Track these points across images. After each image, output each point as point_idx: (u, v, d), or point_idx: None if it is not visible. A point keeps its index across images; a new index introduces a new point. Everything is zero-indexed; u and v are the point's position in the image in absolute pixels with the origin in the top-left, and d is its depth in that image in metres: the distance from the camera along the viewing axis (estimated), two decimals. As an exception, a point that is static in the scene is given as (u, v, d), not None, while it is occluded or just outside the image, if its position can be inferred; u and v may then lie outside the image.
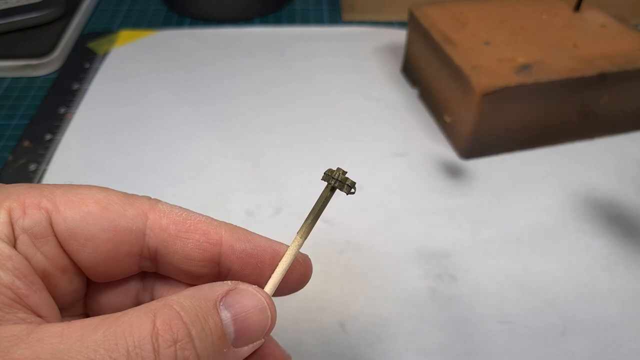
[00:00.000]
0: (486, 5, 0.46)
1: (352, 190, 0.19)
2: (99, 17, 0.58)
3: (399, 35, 0.53)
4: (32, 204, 0.17)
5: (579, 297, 0.31)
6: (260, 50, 0.52)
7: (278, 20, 0.58)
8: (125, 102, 0.45)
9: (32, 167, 0.39)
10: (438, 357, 0.28)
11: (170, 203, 0.19)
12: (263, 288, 0.18)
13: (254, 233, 0.20)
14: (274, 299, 0.19)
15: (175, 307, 0.15)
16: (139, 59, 0.51)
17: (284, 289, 0.20)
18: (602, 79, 0.38)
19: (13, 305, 0.15)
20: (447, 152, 0.41)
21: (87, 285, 0.19)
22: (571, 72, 0.38)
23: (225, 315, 0.16)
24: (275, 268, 0.19)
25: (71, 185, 0.18)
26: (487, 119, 0.38)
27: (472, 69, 0.38)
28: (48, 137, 0.42)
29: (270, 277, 0.19)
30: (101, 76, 0.48)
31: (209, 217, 0.19)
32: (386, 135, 0.42)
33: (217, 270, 0.19)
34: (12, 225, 0.16)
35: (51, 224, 0.17)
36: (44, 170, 0.39)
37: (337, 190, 0.19)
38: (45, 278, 0.17)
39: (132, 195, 0.19)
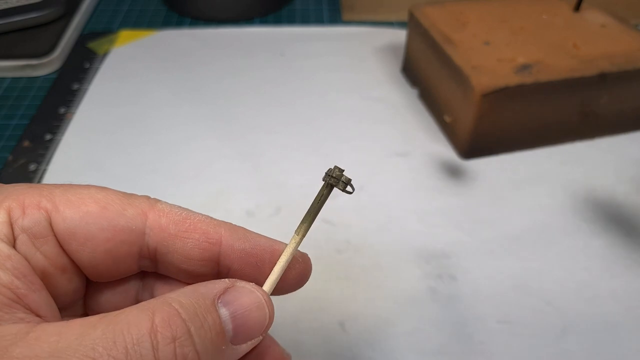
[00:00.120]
0: (486, 5, 0.46)
1: (348, 187, 0.19)
2: (99, 17, 0.58)
3: (399, 35, 0.53)
4: (31, 204, 0.17)
5: (579, 297, 0.31)
6: (260, 50, 0.52)
7: (278, 20, 0.58)
8: (125, 102, 0.45)
9: (32, 167, 0.39)
10: (438, 357, 0.28)
11: (170, 203, 0.19)
12: (262, 287, 0.18)
13: (254, 232, 0.20)
14: (273, 297, 0.19)
15: (174, 304, 0.15)
16: (139, 59, 0.51)
17: (283, 287, 0.20)
18: (602, 79, 0.38)
19: (12, 305, 0.15)
20: (447, 152, 0.41)
21: (86, 285, 0.19)
22: (571, 72, 0.38)
23: (224, 312, 0.16)
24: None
25: (70, 185, 0.18)
26: (487, 119, 0.38)
27: (472, 69, 0.38)
28: (48, 137, 0.42)
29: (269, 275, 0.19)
30: (101, 76, 0.48)
31: (208, 216, 0.19)
32: (386, 135, 0.42)
33: (216, 269, 0.19)
34: (11, 225, 0.16)
35: (50, 224, 0.17)
36: (44, 170, 0.39)
37: (337, 190, 0.19)
38: (44, 278, 0.17)
39: (132, 194, 0.19)
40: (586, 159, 0.40)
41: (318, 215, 0.19)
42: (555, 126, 0.40)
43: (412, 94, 0.47)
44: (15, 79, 0.49)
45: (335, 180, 0.19)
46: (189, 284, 0.19)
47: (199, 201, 0.36)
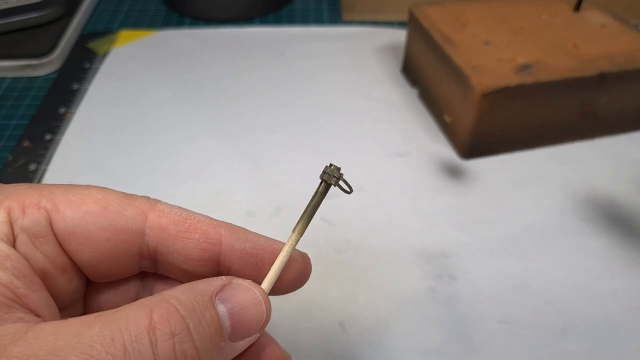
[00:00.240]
0: (486, 5, 0.46)
1: (344, 185, 0.19)
2: (99, 17, 0.58)
3: (399, 35, 0.53)
4: (31, 204, 0.17)
5: (579, 297, 0.31)
6: (260, 50, 0.52)
7: (278, 20, 0.58)
8: (125, 102, 0.45)
9: (32, 167, 0.39)
10: (438, 356, 0.28)
11: (170, 203, 0.19)
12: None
13: (254, 232, 0.20)
14: (273, 297, 0.19)
15: (172, 301, 0.15)
16: (139, 59, 0.51)
17: (283, 287, 0.20)
18: (602, 79, 0.38)
19: (11, 305, 0.15)
20: (447, 152, 0.41)
21: (86, 285, 0.19)
22: (571, 72, 0.38)
23: (221, 309, 0.16)
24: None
25: (71, 185, 0.18)
26: (487, 119, 0.38)
27: (472, 69, 0.38)
28: (48, 137, 0.42)
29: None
30: (101, 76, 0.48)
31: (208, 216, 0.19)
32: (386, 135, 0.42)
33: (216, 269, 0.19)
34: (11, 224, 0.16)
35: (50, 224, 0.17)
36: (44, 170, 0.39)
37: (337, 189, 0.19)
38: (44, 277, 0.17)
39: (132, 195, 0.19)
40: (586, 159, 0.40)
41: (316, 214, 0.19)
42: (555, 126, 0.40)
43: (412, 94, 0.47)
44: (15, 79, 0.49)
45: (328, 176, 0.19)
46: (189, 284, 0.20)
47: (199, 201, 0.36)
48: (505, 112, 0.38)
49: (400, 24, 0.57)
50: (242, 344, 0.17)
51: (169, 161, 0.40)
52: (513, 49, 0.40)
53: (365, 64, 0.50)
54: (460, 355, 0.28)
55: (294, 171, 0.39)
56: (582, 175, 0.39)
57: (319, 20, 0.58)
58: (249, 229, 0.20)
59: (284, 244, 0.19)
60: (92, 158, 0.40)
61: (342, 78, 0.48)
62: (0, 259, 0.15)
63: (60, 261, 0.17)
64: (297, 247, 0.19)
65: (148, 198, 0.19)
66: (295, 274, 0.20)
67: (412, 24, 0.46)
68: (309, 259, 0.21)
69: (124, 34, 0.54)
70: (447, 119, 0.41)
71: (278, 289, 0.20)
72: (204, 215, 0.19)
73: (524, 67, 0.38)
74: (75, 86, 0.47)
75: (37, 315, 0.15)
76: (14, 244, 0.16)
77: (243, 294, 0.17)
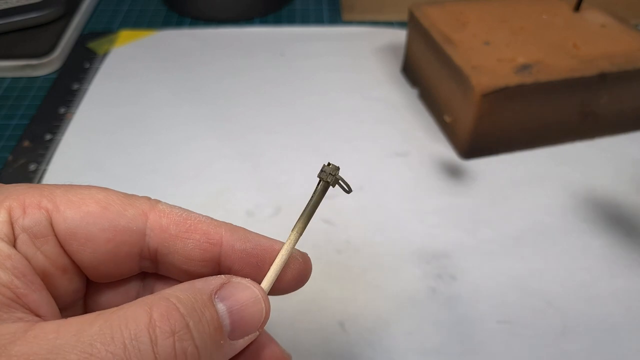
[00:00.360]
0: (486, 5, 0.46)
1: (340, 181, 0.19)
2: (99, 17, 0.58)
3: (399, 35, 0.53)
4: (32, 204, 0.17)
5: (579, 297, 0.31)
6: (260, 50, 0.52)
7: (278, 20, 0.58)
8: (125, 102, 0.45)
9: (32, 167, 0.39)
10: (438, 356, 0.28)
11: (170, 203, 0.19)
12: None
13: (254, 232, 0.20)
14: (273, 297, 0.19)
15: (172, 299, 0.15)
16: (139, 59, 0.51)
17: (284, 286, 0.20)
18: (602, 79, 0.38)
19: (11, 305, 0.15)
20: (447, 152, 0.41)
21: (87, 286, 0.19)
22: (571, 72, 0.38)
23: (221, 307, 0.16)
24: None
25: (71, 185, 0.18)
26: (487, 119, 0.38)
27: (472, 69, 0.38)
28: (48, 137, 0.42)
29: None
30: (101, 76, 0.48)
31: (209, 217, 0.19)
32: (386, 135, 0.42)
33: (217, 270, 0.19)
34: (12, 224, 0.16)
35: (51, 224, 0.17)
36: (44, 170, 0.39)
37: (337, 189, 0.19)
38: (45, 278, 0.17)
39: (132, 195, 0.19)
40: (586, 159, 0.40)
41: (316, 214, 0.19)
42: (555, 126, 0.40)
43: (412, 94, 0.47)
44: (15, 79, 0.49)
45: (326, 174, 0.19)
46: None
47: (199, 201, 0.36)
48: (505, 112, 0.38)
49: (400, 24, 0.57)
50: (242, 342, 0.17)
51: (169, 161, 0.40)
52: (513, 49, 0.40)
53: (365, 64, 0.50)
54: (460, 355, 0.28)
55: (294, 171, 0.39)
56: (582, 175, 0.39)
57: (319, 20, 0.58)
58: (249, 229, 0.20)
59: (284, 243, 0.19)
60: (92, 158, 0.40)
61: (342, 78, 0.48)
62: (0, 259, 0.15)
63: (60, 261, 0.17)
64: (296, 247, 0.19)
65: (148, 198, 0.19)
66: (296, 274, 0.20)
67: (412, 24, 0.46)
68: (309, 258, 0.21)
69: (124, 34, 0.54)
70: (447, 119, 0.41)
71: (278, 288, 0.20)
72: (205, 215, 0.19)
73: (524, 67, 0.38)
74: (75, 86, 0.47)
75: (38, 315, 0.15)
76: (14, 244, 0.16)
77: (242, 292, 0.17)
